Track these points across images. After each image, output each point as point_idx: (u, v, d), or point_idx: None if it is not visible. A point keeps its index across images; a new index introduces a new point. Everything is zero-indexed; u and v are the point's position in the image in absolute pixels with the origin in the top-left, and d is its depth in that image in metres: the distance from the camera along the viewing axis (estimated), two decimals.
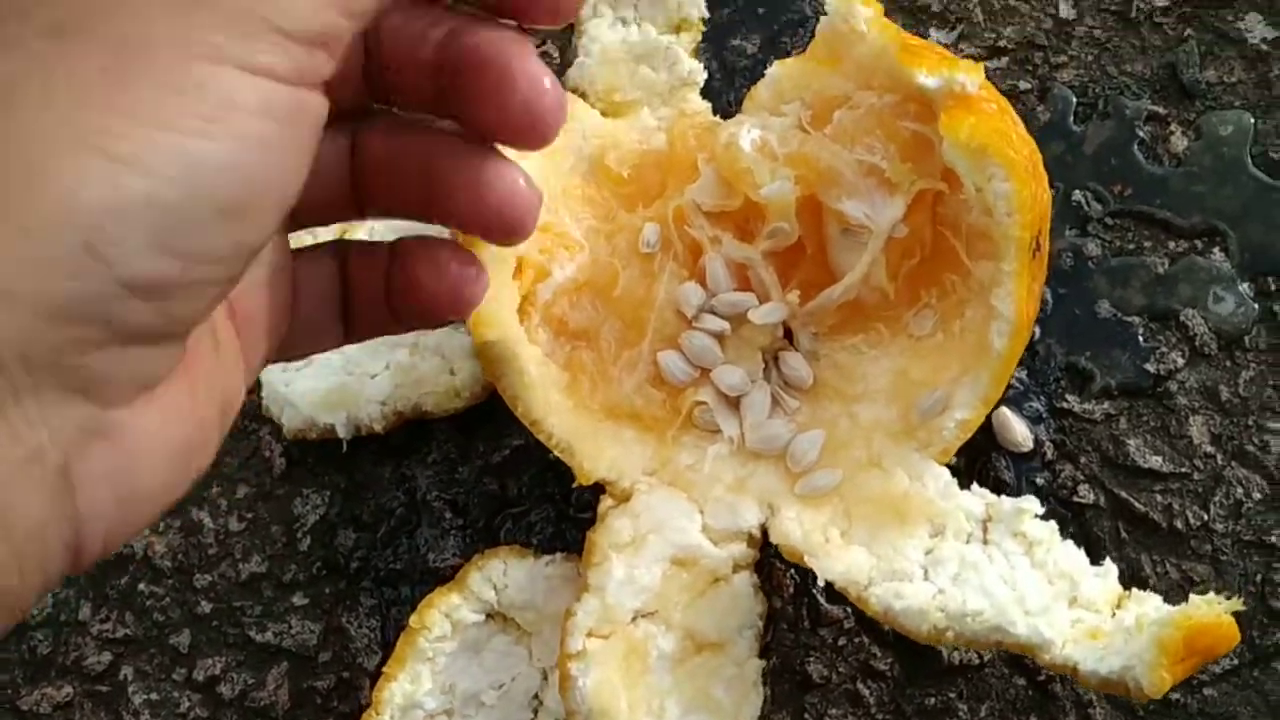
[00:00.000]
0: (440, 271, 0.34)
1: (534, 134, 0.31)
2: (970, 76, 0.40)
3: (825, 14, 0.45)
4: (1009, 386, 0.48)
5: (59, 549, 0.25)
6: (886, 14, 0.53)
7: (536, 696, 0.45)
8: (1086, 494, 0.48)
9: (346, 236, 0.45)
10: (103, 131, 0.22)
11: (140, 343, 0.24)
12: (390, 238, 0.35)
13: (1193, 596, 0.37)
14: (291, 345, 0.34)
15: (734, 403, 0.46)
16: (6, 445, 0.23)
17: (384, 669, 0.44)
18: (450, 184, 0.33)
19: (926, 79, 0.41)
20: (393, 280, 0.34)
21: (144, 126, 0.23)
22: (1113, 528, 0.47)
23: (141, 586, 0.50)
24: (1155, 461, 0.48)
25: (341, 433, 0.48)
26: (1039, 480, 0.48)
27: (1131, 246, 0.50)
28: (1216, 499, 0.47)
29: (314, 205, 0.31)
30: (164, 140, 0.23)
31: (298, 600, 0.50)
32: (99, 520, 0.25)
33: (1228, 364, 0.49)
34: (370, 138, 0.34)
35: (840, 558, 0.41)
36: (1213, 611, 0.36)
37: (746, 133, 0.45)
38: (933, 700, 0.46)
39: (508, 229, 0.33)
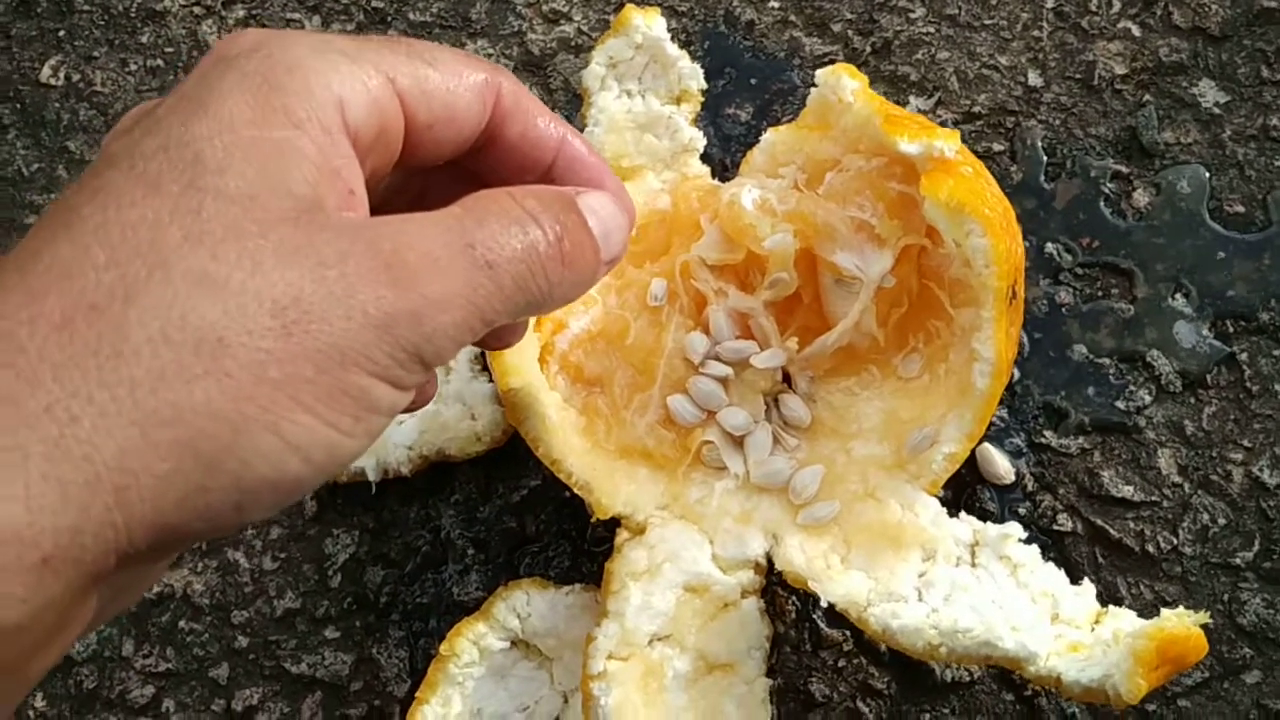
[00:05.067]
0: None
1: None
2: (948, 143, 0.44)
3: (814, 85, 0.49)
4: (991, 424, 0.51)
5: None
6: (869, 83, 0.57)
7: (558, 719, 0.48)
8: (1065, 522, 0.51)
9: None
10: (283, 417, 0.27)
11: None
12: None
13: (1164, 610, 0.40)
14: None
15: (739, 442, 0.49)
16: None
17: (416, 694, 0.47)
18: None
19: (908, 146, 0.44)
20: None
21: (316, 419, 0.27)
22: (1090, 553, 0.51)
23: (182, 623, 0.53)
24: (1127, 491, 0.51)
25: (370, 476, 0.51)
26: (1021, 510, 0.51)
27: (1101, 294, 0.54)
28: (1185, 525, 0.51)
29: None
30: (325, 435, 0.28)
31: (330, 634, 0.52)
32: None
33: (1192, 401, 0.52)
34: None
35: (841, 582, 0.44)
36: (1182, 623, 0.39)
37: (748, 192, 0.49)
38: (928, 716, 0.49)
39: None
